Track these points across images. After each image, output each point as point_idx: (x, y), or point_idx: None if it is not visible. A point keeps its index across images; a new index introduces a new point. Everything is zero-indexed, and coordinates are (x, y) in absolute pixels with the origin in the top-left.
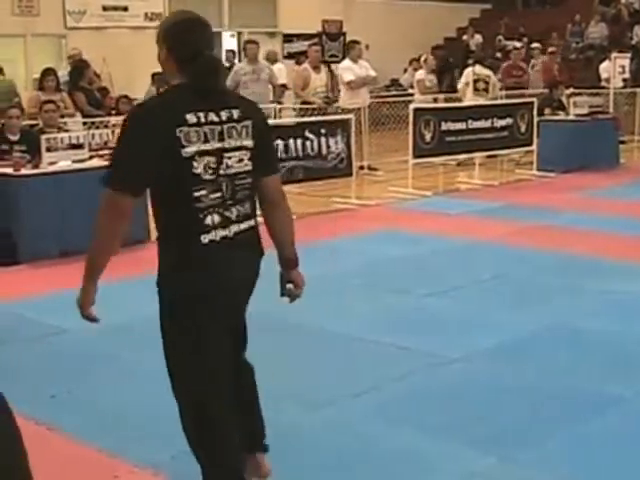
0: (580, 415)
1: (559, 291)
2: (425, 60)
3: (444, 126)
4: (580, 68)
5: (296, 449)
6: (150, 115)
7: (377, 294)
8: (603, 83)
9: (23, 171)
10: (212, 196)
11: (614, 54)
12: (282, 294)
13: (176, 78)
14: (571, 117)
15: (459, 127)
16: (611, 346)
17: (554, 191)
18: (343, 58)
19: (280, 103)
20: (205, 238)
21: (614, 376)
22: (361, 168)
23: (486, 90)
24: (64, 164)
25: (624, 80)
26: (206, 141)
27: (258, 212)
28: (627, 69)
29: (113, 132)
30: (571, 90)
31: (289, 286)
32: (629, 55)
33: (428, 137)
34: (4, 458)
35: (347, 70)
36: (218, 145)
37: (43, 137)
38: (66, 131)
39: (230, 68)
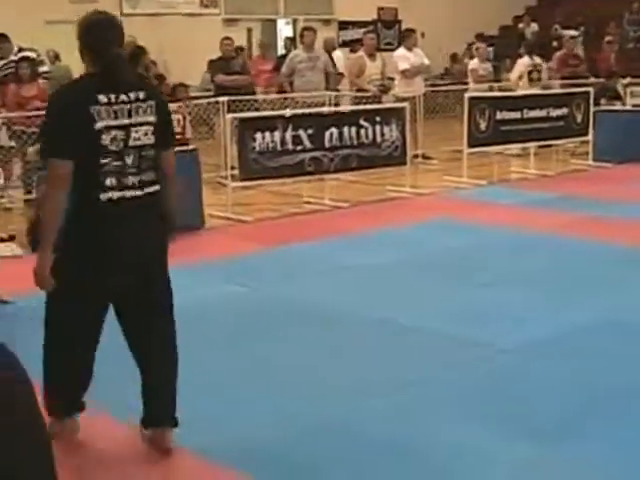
0: (632, 409)
1: (613, 283)
2: (477, 49)
3: (499, 115)
4: (637, 57)
5: (349, 439)
6: (68, 96)
7: (429, 284)
8: None
9: None
10: (114, 164)
11: None
12: None
13: (91, 67)
14: (628, 107)
15: (514, 116)
16: None
17: (609, 182)
18: (398, 46)
19: (337, 91)
20: (104, 196)
21: None
22: (415, 157)
23: (539, 79)
24: None
25: None
26: (116, 118)
27: None
28: None
29: None
30: (628, 80)
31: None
32: None
33: (483, 126)
34: (27, 433)
35: (402, 59)
36: (127, 121)
37: None
38: None
39: (286, 55)
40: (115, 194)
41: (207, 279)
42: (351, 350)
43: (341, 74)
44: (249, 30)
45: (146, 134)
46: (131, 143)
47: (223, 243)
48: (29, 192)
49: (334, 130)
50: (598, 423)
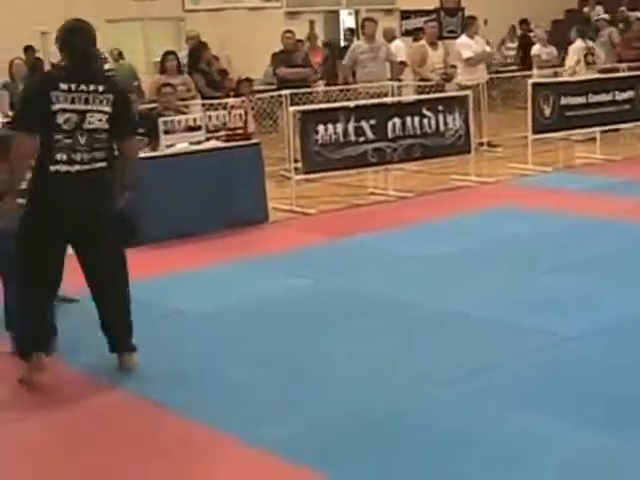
0: None
1: None
2: (534, 35)
3: (563, 100)
4: None
5: (413, 428)
6: (37, 83)
7: (496, 272)
8: None
9: (141, 154)
10: (66, 141)
11: None
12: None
13: (64, 62)
14: None
15: (579, 101)
16: None
17: None
18: (461, 34)
19: (399, 81)
20: (52, 168)
21: None
22: (481, 145)
23: (594, 63)
24: (181, 146)
25: None
26: (72, 103)
27: None
28: None
29: (230, 113)
30: None
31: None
32: None
33: (547, 112)
34: None
35: (465, 46)
36: (83, 107)
37: (160, 120)
38: (183, 113)
39: (347, 47)
40: (63, 167)
41: (271, 272)
42: (416, 340)
43: (403, 63)
44: (311, 22)
45: (100, 120)
46: (85, 126)
47: (287, 236)
48: None
49: (397, 120)
50: None
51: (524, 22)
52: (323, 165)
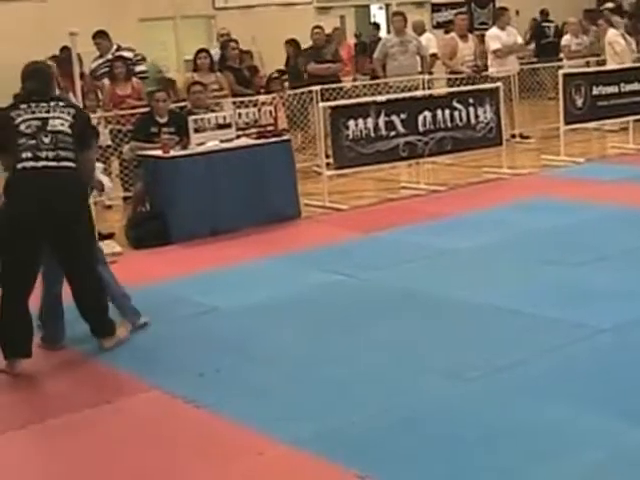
0: None
1: None
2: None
3: (595, 90)
4: None
5: (442, 421)
6: (4, 110)
7: (528, 265)
8: None
9: (172, 152)
10: (30, 142)
11: None
12: None
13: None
14: None
15: (611, 91)
16: None
17: None
18: (493, 25)
19: (431, 74)
20: (20, 165)
21: None
22: (513, 136)
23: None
24: (212, 144)
25: None
26: (33, 113)
27: None
28: None
29: (260, 110)
30: None
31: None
32: None
33: (579, 102)
34: None
35: (494, 38)
36: (44, 115)
37: (190, 118)
38: (213, 111)
39: (374, 42)
40: (29, 163)
41: (305, 268)
42: (451, 334)
43: (434, 56)
44: (342, 17)
45: (62, 124)
46: (49, 128)
47: (320, 232)
48: (127, 189)
49: (427, 114)
50: None
51: (543, 12)
52: (354, 160)
